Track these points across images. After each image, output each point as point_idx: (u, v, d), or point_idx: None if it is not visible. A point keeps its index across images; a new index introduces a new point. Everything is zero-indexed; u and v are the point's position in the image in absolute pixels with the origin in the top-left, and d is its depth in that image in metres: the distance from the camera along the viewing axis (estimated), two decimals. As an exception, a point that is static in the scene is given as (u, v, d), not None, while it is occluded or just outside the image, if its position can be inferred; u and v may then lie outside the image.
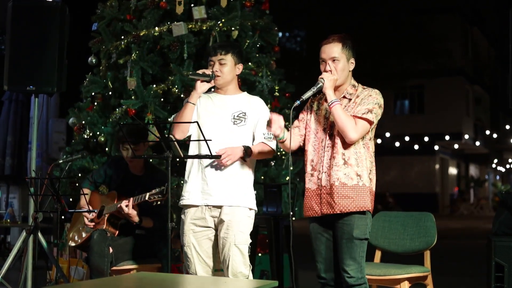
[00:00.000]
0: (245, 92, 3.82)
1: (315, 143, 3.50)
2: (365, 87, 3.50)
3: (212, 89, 3.81)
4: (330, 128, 3.45)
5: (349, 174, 3.35)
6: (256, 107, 3.71)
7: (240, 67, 3.73)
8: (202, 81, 3.61)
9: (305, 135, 3.58)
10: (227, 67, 3.65)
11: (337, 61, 3.41)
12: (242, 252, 3.57)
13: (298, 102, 3.34)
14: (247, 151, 3.57)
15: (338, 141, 3.39)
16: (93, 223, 4.42)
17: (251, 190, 3.70)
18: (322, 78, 3.38)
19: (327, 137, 3.44)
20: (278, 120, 3.35)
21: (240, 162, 3.62)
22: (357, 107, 3.39)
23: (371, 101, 3.39)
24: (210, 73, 3.62)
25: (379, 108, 3.41)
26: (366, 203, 3.37)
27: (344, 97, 3.46)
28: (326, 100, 3.43)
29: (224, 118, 3.65)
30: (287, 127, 3.45)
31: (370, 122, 3.38)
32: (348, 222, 3.36)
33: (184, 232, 3.67)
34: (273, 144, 3.68)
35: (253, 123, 3.67)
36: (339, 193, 3.35)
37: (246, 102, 3.71)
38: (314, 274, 3.57)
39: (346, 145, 3.38)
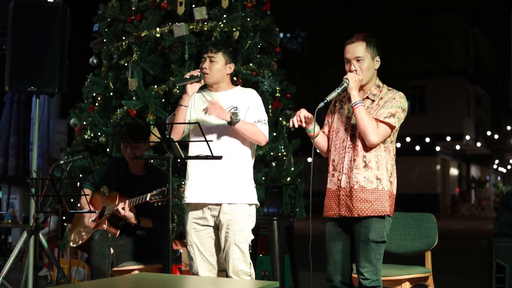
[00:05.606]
0: (238, 86, 3.80)
1: (336, 143, 3.46)
2: (390, 88, 3.43)
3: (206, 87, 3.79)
4: (352, 129, 3.40)
5: (368, 178, 3.32)
6: (246, 96, 3.67)
7: (231, 66, 3.69)
8: (192, 83, 3.60)
9: (328, 135, 3.55)
10: (217, 66, 3.63)
11: (361, 60, 3.35)
12: (242, 250, 3.57)
13: (322, 104, 3.25)
14: (234, 117, 3.49)
15: (359, 143, 3.34)
16: (94, 223, 4.43)
17: (251, 185, 3.67)
18: (346, 78, 3.32)
19: (348, 138, 3.40)
20: (301, 112, 3.33)
21: (238, 159, 3.60)
22: (380, 109, 3.34)
23: (395, 105, 3.33)
24: (198, 74, 3.60)
25: (402, 112, 3.35)
26: (384, 207, 3.33)
27: (368, 97, 3.40)
28: (349, 100, 3.37)
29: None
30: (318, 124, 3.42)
31: (392, 127, 3.33)
32: (366, 225, 3.32)
33: (187, 231, 3.68)
34: (265, 130, 3.63)
35: (243, 113, 3.62)
36: (358, 197, 3.31)
37: (237, 95, 3.68)
38: (317, 275, 3.55)
39: (367, 147, 3.32)
